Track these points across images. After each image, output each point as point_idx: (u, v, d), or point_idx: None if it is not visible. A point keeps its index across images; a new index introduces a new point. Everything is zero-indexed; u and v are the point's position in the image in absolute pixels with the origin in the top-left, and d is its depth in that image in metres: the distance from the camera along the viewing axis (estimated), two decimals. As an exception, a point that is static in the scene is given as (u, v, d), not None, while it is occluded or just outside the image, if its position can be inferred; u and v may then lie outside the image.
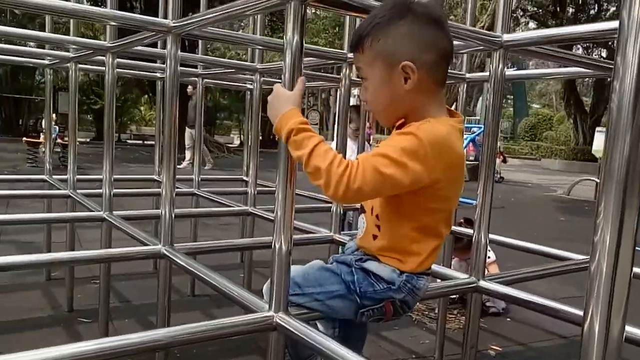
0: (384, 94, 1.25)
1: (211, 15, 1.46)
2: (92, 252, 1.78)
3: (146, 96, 22.29)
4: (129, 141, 20.65)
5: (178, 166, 11.83)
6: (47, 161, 3.58)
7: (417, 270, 1.29)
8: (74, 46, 2.41)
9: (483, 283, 1.64)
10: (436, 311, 3.18)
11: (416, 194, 1.20)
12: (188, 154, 11.35)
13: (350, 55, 2.24)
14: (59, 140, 9.67)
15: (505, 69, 1.64)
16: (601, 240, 0.68)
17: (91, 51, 2.32)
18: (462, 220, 3.28)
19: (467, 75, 2.56)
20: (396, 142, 1.15)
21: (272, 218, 2.18)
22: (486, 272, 1.69)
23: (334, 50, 2.29)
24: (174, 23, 1.63)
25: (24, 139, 10.67)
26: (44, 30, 2.84)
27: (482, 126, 13.19)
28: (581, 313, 1.38)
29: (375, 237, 1.32)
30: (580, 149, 22.29)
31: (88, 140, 17.35)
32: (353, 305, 1.32)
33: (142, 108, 28.27)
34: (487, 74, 2.87)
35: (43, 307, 3.12)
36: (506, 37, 1.59)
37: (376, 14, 1.23)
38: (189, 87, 9.94)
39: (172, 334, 1.15)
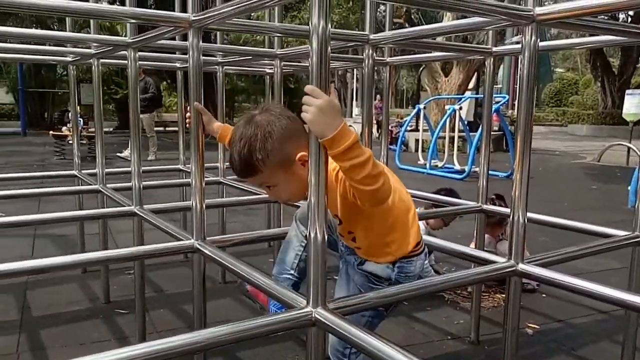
0: (297, 186, 1.48)
1: (230, 8, 1.43)
2: (126, 250, 1.79)
3: (165, 83, 22.39)
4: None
5: (119, 154, 11.16)
6: (76, 155, 3.62)
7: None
8: (95, 44, 2.40)
9: (522, 266, 1.60)
10: (469, 290, 3.15)
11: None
12: (151, 141, 10.40)
13: (372, 36, 2.19)
14: (83, 132, 9.81)
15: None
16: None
17: (113, 47, 2.31)
18: (493, 196, 3.21)
19: (494, 48, 2.47)
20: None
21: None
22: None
23: (356, 32, 2.24)
24: (194, 17, 1.61)
25: (51, 132, 10.85)
26: (65, 25, 2.85)
27: (506, 96, 12.95)
28: (633, 298, 1.35)
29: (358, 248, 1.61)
30: (609, 113, 21.71)
31: (111, 129, 17.55)
32: (380, 315, 1.62)
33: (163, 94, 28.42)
34: (515, 46, 2.80)
35: (80, 300, 3.19)
36: (538, 10, 1.52)
37: (248, 140, 1.42)
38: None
39: (214, 334, 1.15)
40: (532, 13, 1.52)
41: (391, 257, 1.56)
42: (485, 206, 2.58)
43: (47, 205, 5.24)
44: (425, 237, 2.24)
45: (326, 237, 1.28)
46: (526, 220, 1.64)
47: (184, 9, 1.74)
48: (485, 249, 3.07)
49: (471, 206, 2.62)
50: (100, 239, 3.10)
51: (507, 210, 2.38)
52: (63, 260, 1.63)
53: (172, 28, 1.71)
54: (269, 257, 3.77)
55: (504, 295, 3.11)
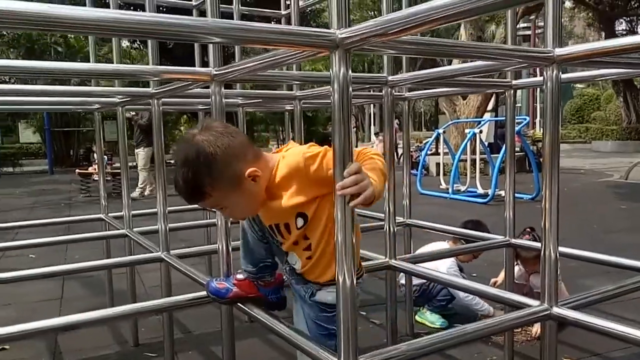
0: (250, 202, 1.45)
1: (252, 64, 1.46)
2: (155, 303, 1.81)
3: (185, 116, 22.75)
4: (171, 161, 21.04)
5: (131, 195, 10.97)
6: (102, 197, 3.68)
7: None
8: (120, 95, 2.47)
9: (557, 310, 1.56)
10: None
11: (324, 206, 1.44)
12: (141, 178, 10.04)
13: (391, 78, 2.21)
14: (108, 169, 9.97)
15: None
16: None
17: (137, 98, 2.37)
18: (528, 229, 3.13)
19: (514, 82, 2.47)
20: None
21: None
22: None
23: (374, 75, 2.26)
24: (216, 71, 1.65)
25: (77, 170, 11.06)
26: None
27: (527, 117, 12.85)
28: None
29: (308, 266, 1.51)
30: (634, 128, 21.36)
31: (134, 164, 17.82)
32: None
33: (182, 128, 28.92)
34: (535, 79, 2.79)
35: (110, 344, 3.21)
36: (559, 51, 1.52)
37: (191, 165, 1.36)
38: (132, 113, 8.94)
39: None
40: (552, 55, 1.52)
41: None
42: (513, 240, 2.54)
43: (76, 246, 5.32)
44: (454, 279, 2.21)
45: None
46: (558, 255, 1.61)
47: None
48: (516, 281, 3.01)
49: (499, 241, 2.59)
50: (129, 285, 3.13)
51: (538, 244, 2.34)
52: (93, 315, 1.65)
53: (195, 82, 1.75)
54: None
55: (538, 331, 3.04)
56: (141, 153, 9.91)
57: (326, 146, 1.40)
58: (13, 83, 7.61)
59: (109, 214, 3.53)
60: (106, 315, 1.69)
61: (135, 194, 9.53)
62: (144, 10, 2.55)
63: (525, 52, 1.52)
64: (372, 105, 24.84)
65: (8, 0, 0.89)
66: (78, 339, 3.23)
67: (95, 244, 4.57)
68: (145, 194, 9.88)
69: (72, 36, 17.21)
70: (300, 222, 1.46)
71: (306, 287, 1.55)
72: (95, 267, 2.48)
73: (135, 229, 3.02)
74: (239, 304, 1.69)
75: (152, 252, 2.47)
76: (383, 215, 2.40)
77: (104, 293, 3.71)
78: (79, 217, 4.25)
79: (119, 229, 3.11)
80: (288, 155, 1.44)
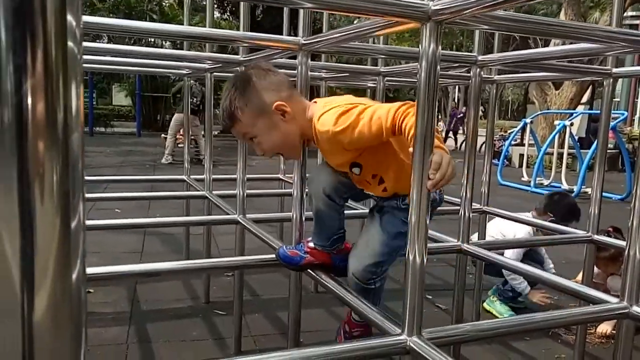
0: (277, 137, 1.53)
1: (339, 35, 1.46)
2: (229, 260, 1.89)
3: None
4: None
5: (162, 160, 10.38)
6: (186, 160, 3.86)
7: None
8: (209, 61, 2.56)
9: (637, 309, 1.48)
10: (573, 322, 2.95)
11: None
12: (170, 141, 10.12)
13: (480, 57, 2.14)
14: (192, 137, 10.38)
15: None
16: None
17: (225, 64, 2.45)
18: (609, 229, 2.97)
19: (614, 70, 2.31)
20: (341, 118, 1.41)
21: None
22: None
23: (464, 54, 2.20)
24: (304, 41, 1.67)
25: (162, 135, 11.62)
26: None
27: (624, 112, 12.01)
28: None
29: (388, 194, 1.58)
30: None
31: (216, 133, 18.45)
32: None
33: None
34: (638, 68, 2.59)
35: (184, 298, 3.40)
36: (669, 36, 1.41)
37: (230, 90, 1.51)
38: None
39: (306, 355, 1.17)
40: (662, 39, 1.41)
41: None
42: (596, 236, 2.41)
43: (157, 205, 5.64)
44: (530, 268, 2.13)
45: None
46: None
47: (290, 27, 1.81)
48: (593, 280, 2.86)
49: (580, 235, 2.46)
50: (204, 245, 3.28)
51: (622, 243, 2.21)
52: (171, 266, 1.76)
53: (283, 50, 1.78)
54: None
55: (605, 331, 2.89)
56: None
57: (355, 103, 1.44)
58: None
59: (191, 176, 3.70)
60: (183, 266, 1.79)
61: (165, 160, 10.06)
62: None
63: (633, 35, 1.42)
64: (456, 89, 24.12)
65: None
66: (155, 291, 3.44)
67: (175, 205, 4.82)
68: (162, 160, 10.17)
69: (167, 4, 17.95)
70: (356, 170, 1.55)
71: (396, 200, 1.60)
72: (176, 222, 2.63)
73: (214, 192, 3.15)
74: (309, 270, 1.73)
75: (229, 214, 2.57)
76: (459, 200, 2.35)
77: (181, 251, 3.92)
78: (163, 176, 4.48)
79: (199, 191, 3.25)
80: (320, 125, 1.47)
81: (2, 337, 0.36)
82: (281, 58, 2.16)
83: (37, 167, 0.35)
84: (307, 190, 1.82)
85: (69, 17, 0.35)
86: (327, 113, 1.45)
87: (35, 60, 0.34)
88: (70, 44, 0.35)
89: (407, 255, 1.27)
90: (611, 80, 2.37)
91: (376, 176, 1.55)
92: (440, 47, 1.18)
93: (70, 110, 0.36)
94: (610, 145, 11.28)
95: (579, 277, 3.17)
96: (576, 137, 9.98)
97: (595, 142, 3.29)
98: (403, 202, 1.55)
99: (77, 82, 0.36)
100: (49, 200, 0.36)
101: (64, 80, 0.35)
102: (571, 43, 1.86)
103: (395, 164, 1.51)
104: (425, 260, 1.27)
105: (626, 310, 1.50)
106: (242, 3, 2.10)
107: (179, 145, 10.07)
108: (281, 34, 3.48)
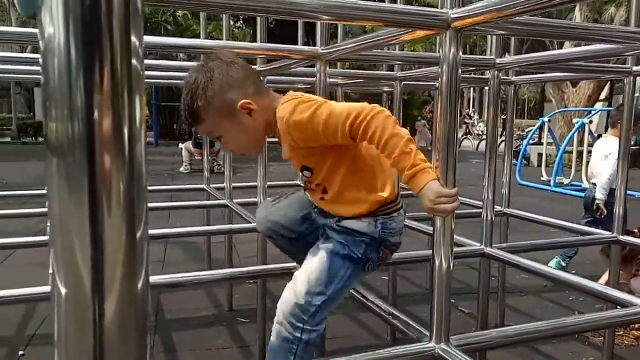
0: (245, 137, 1.44)
1: (357, 44, 1.48)
2: (250, 269, 1.91)
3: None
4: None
5: (180, 170, 10.64)
6: (206, 169, 3.90)
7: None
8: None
9: (667, 312, 1.46)
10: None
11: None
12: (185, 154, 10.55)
13: (499, 60, 2.13)
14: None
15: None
16: None
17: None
18: (635, 229, 2.92)
19: (634, 68, 2.29)
20: (307, 119, 1.30)
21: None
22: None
23: (482, 57, 2.20)
24: (322, 50, 1.68)
25: (180, 145, 11.73)
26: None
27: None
28: None
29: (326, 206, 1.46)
30: None
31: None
32: (360, 268, 1.43)
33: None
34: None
35: (207, 307, 3.42)
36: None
37: (191, 86, 1.37)
38: None
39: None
40: (684, 37, 1.40)
41: (366, 205, 1.39)
42: (621, 237, 2.38)
43: (178, 214, 5.68)
44: (557, 272, 2.11)
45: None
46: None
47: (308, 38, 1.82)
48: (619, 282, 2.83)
49: (605, 236, 2.44)
50: (226, 253, 3.30)
51: (647, 243, 2.18)
52: (194, 276, 1.78)
53: (301, 60, 1.80)
54: (384, 274, 3.77)
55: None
56: None
57: (320, 101, 1.36)
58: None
59: (211, 185, 3.73)
60: (206, 277, 1.81)
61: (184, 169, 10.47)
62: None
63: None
64: (471, 89, 23.98)
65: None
66: (178, 300, 3.47)
67: (195, 215, 4.85)
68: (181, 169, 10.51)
69: (180, 15, 18.13)
70: (307, 173, 1.46)
71: (332, 219, 1.46)
72: (197, 232, 2.66)
73: (235, 201, 3.18)
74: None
75: (252, 223, 2.59)
76: (480, 202, 2.34)
77: (203, 259, 3.95)
78: (183, 186, 4.52)
79: (219, 199, 3.28)
80: (279, 111, 1.38)
81: (77, 341, 0.39)
82: (297, 67, 2.19)
83: (105, 179, 0.37)
84: None
85: (133, 38, 0.38)
86: (287, 102, 1.37)
87: (102, 78, 0.36)
88: (134, 61, 0.38)
89: (432, 260, 1.28)
90: (631, 78, 2.35)
91: (320, 185, 1.45)
92: (460, 53, 1.19)
93: (135, 123, 0.38)
94: (631, 142, 11.11)
95: (604, 277, 3.13)
96: (595, 135, 9.85)
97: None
98: (338, 222, 1.43)
99: (140, 97, 0.39)
100: (116, 210, 0.38)
101: (129, 95, 0.38)
102: (589, 44, 1.85)
103: (345, 178, 1.40)
104: (451, 266, 1.28)
105: (656, 313, 1.48)
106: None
107: (196, 157, 10.21)
108: (295, 40, 3.52)
